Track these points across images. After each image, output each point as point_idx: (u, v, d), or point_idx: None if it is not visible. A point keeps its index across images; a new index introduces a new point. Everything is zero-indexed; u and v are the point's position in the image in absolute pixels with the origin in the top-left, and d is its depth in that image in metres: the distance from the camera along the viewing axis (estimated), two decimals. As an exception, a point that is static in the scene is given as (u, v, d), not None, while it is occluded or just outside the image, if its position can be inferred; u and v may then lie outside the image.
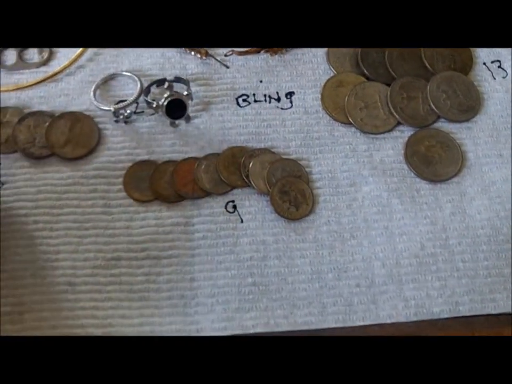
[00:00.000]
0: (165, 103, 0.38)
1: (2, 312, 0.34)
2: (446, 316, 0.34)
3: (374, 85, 0.41)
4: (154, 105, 0.39)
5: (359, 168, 0.39)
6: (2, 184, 0.37)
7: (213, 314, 0.34)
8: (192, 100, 0.40)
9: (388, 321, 0.34)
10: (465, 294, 0.35)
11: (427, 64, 0.41)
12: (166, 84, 0.39)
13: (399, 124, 0.40)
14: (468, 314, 0.34)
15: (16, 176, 0.38)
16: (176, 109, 0.39)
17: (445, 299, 0.35)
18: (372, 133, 0.40)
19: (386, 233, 0.36)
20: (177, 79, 0.40)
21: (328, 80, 0.42)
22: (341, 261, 0.36)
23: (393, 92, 0.40)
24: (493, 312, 0.34)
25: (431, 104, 0.40)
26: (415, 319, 0.34)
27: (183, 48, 0.42)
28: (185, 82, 0.40)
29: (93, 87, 0.41)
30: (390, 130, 0.40)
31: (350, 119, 0.40)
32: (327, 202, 0.37)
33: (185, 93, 0.39)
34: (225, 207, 0.37)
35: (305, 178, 0.38)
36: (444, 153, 0.39)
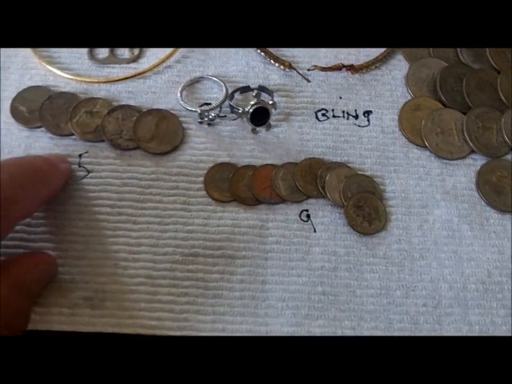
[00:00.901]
0: (251, 110, 0.39)
1: (83, 296, 0.35)
2: (508, 343, 0.35)
3: (450, 112, 0.42)
4: (240, 111, 0.40)
5: (431, 191, 0.40)
6: (88, 172, 0.39)
7: (282, 318, 0.35)
8: (275, 109, 0.41)
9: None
10: (529, 323, 0.36)
11: (502, 97, 0.42)
12: (255, 92, 0.40)
13: (472, 152, 0.41)
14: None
15: (102, 166, 0.40)
16: (259, 117, 0.40)
17: (508, 327, 0.35)
18: (446, 158, 0.41)
19: (455, 257, 0.37)
20: (262, 88, 0.42)
21: (406, 103, 0.43)
22: (410, 280, 0.37)
23: (469, 121, 0.41)
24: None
25: (505, 136, 0.41)
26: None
27: (268, 59, 0.44)
28: (269, 92, 0.41)
29: (180, 87, 0.42)
30: (463, 158, 0.41)
31: (426, 143, 0.41)
32: (399, 221, 0.38)
33: (270, 102, 0.40)
34: (299, 215, 0.39)
35: (379, 196, 0.39)
36: (516, 184, 0.40)
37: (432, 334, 0.35)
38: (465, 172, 0.40)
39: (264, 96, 0.41)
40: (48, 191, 0.36)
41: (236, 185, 0.39)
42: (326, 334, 0.35)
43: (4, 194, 0.30)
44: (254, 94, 0.40)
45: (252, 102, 0.40)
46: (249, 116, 0.40)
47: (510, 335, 0.35)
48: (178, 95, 0.42)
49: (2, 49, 0.44)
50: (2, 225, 0.31)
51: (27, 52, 0.44)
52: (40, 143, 0.41)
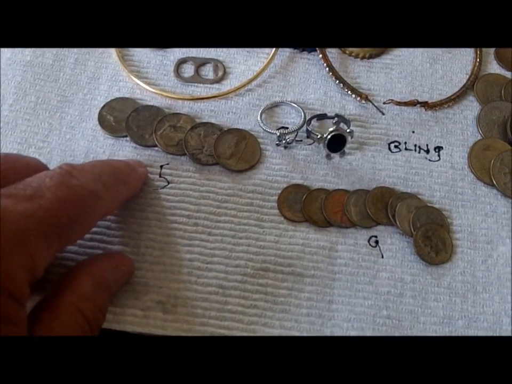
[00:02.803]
0: (329, 136, 0.41)
1: (157, 300, 0.37)
2: None
3: (519, 153, 0.43)
4: (318, 136, 0.42)
5: (497, 228, 0.41)
6: (168, 183, 0.41)
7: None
8: (352, 137, 0.43)
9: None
10: None
11: None
12: (335, 119, 0.42)
13: (539, 194, 0.42)
14: None
15: (182, 178, 0.42)
16: (335, 144, 0.42)
17: None
18: (513, 198, 0.42)
19: (517, 293, 0.38)
20: (340, 117, 0.43)
21: (476, 142, 0.44)
22: (472, 311, 0.38)
23: (537, 164, 0.43)
24: None
25: None
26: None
27: (345, 90, 0.45)
28: (347, 121, 0.43)
29: (260, 110, 0.44)
30: (529, 198, 0.42)
31: (494, 181, 0.42)
32: (464, 254, 0.40)
33: (348, 130, 0.42)
34: (368, 241, 0.40)
35: (447, 228, 0.40)
36: None
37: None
38: (531, 212, 0.41)
39: (342, 125, 0.43)
40: (127, 191, 0.38)
41: (309, 206, 0.41)
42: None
43: (90, 189, 0.32)
44: (334, 121, 0.42)
45: (331, 129, 0.41)
46: (326, 142, 0.41)
47: None
48: (259, 117, 0.44)
49: (93, 60, 0.47)
50: (87, 220, 0.33)
51: (117, 64, 0.47)
52: (124, 152, 0.43)
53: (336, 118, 0.42)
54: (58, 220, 0.29)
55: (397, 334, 0.37)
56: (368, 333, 0.37)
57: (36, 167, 0.35)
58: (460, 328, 0.37)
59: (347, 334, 0.37)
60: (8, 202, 0.28)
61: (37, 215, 0.29)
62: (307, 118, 0.43)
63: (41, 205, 0.29)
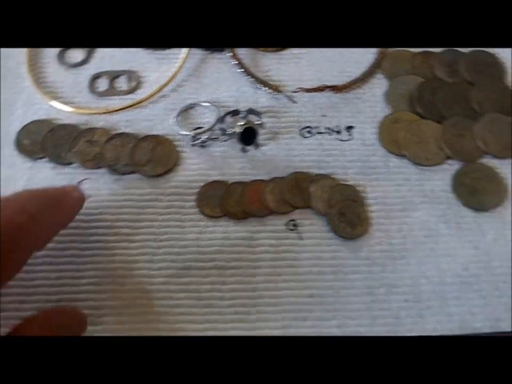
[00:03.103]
0: (240, 131, 0.42)
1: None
2: (487, 331, 0.37)
3: (427, 123, 0.45)
4: (230, 132, 0.43)
5: (410, 196, 0.42)
6: (88, 197, 0.42)
7: (272, 322, 0.37)
8: (263, 129, 0.44)
9: (433, 334, 0.37)
10: (506, 311, 0.37)
11: (475, 107, 0.45)
12: (244, 114, 0.43)
13: (448, 158, 0.43)
14: (508, 330, 0.37)
15: (101, 191, 0.42)
16: (248, 137, 0.43)
17: (486, 316, 0.37)
18: (423, 165, 0.43)
19: (433, 254, 0.40)
20: (250, 111, 0.44)
21: (385, 117, 0.45)
22: (391, 278, 0.39)
23: (445, 129, 0.44)
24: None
25: (478, 141, 0.44)
26: (458, 332, 0.37)
27: (257, 84, 0.47)
28: (257, 113, 0.44)
29: (175, 114, 0.45)
30: (440, 163, 0.43)
31: (405, 152, 0.43)
32: (380, 225, 0.41)
33: (258, 122, 0.43)
34: (287, 225, 0.41)
35: (361, 203, 0.41)
36: (488, 185, 0.42)
37: (414, 326, 0.37)
38: (442, 176, 0.43)
39: (254, 118, 0.44)
40: (61, 220, 0.37)
41: (227, 201, 0.41)
42: (314, 334, 0.37)
43: (14, 222, 0.31)
44: (242, 116, 0.43)
45: (241, 123, 0.42)
46: (238, 136, 0.42)
47: (487, 323, 0.37)
48: (173, 120, 0.45)
49: (7, 86, 0.48)
50: (13, 257, 0.31)
51: (31, 87, 0.47)
52: (42, 173, 0.43)
53: (244, 112, 0.43)
54: None
55: (320, 311, 0.38)
56: (292, 314, 0.38)
57: None
58: (381, 296, 0.38)
59: (271, 318, 0.38)
60: None
61: None
62: (220, 116, 0.44)
63: None
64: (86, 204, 0.40)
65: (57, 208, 0.36)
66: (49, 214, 0.35)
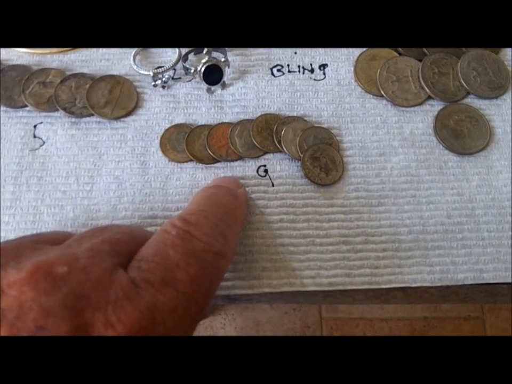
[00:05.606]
0: (203, 68, 0.39)
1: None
2: (470, 282, 0.35)
3: (406, 60, 0.42)
4: (192, 71, 0.40)
5: (389, 139, 0.39)
6: (44, 142, 0.39)
7: (241, 272, 0.35)
8: (229, 67, 0.41)
9: (413, 285, 0.35)
10: (490, 262, 0.36)
11: (459, 42, 0.42)
12: (205, 50, 0.40)
13: (429, 98, 0.41)
14: (491, 281, 0.35)
15: (57, 135, 0.40)
16: (213, 75, 0.40)
17: (469, 266, 0.35)
18: (403, 106, 0.40)
19: (414, 201, 0.37)
20: (215, 48, 0.41)
21: (361, 54, 0.42)
22: (369, 226, 0.37)
23: (425, 67, 0.41)
24: (517, 280, 0.35)
25: (461, 80, 0.41)
26: (439, 284, 0.35)
27: (221, 19, 0.43)
28: (222, 50, 0.41)
29: (133, 52, 0.42)
30: (420, 104, 0.41)
31: (382, 92, 0.40)
32: (356, 170, 0.38)
33: (223, 59, 0.40)
34: (257, 171, 0.38)
35: (336, 146, 0.39)
36: (473, 127, 0.39)
37: (393, 277, 0.35)
38: (423, 118, 0.40)
39: (218, 55, 0.41)
40: (239, 229, 0.34)
41: (192, 145, 0.39)
42: (286, 285, 0.35)
43: (216, 251, 0.29)
44: (204, 52, 0.40)
45: (204, 60, 0.39)
46: (201, 75, 0.39)
47: (469, 274, 0.35)
48: (131, 59, 0.41)
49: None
50: (217, 286, 0.30)
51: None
52: (-6, 117, 0.40)
53: (206, 49, 0.40)
54: (195, 304, 0.27)
55: (293, 261, 0.36)
56: (263, 264, 0.35)
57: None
58: (358, 245, 0.36)
59: (240, 268, 0.35)
60: (149, 292, 0.25)
61: (179, 307, 0.25)
62: (182, 54, 0.41)
63: (178, 291, 0.26)
64: (42, 152, 0.38)
65: (236, 218, 0.33)
66: (234, 227, 0.32)
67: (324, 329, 1.28)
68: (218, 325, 1.29)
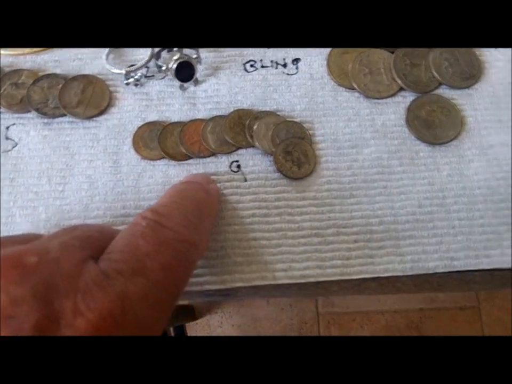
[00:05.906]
0: (174, 66, 0.39)
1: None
2: (441, 271, 0.35)
3: (378, 52, 0.42)
4: (164, 68, 0.40)
5: (361, 131, 0.39)
6: (17, 144, 0.39)
7: (214, 268, 0.35)
8: (201, 63, 0.41)
9: (384, 274, 0.35)
10: (461, 250, 0.36)
11: (431, 33, 0.42)
12: (177, 47, 0.40)
13: (401, 89, 0.41)
14: (462, 269, 0.35)
15: (30, 136, 0.40)
16: (185, 72, 0.40)
17: (440, 254, 0.36)
18: (375, 98, 0.40)
19: (385, 192, 0.37)
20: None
21: (334, 48, 0.42)
22: (340, 218, 0.37)
23: (397, 59, 0.41)
24: (487, 267, 0.35)
25: (433, 71, 0.41)
26: (410, 273, 0.35)
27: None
28: (194, 47, 0.41)
29: (106, 51, 0.42)
30: (392, 96, 0.41)
31: (354, 85, 0.41)
32: (328, 163, 0.38)
33: (195, 56, 0.40)
34: (230, 167, 0.38)
35: (308, 140, 0.39)
36: (444, 117, 0.39)
37: (365, 267, 0.35)
38: (395, 109, 0.40)
39: (191, 52, 0.41)
40: (211, 224, 0.35)
41: (165, 142, 0.39)
42: (258, 279, 0.35)
43: (188, 241, 0.29)
44: (175, 49, 0.40)
45: (175, 58, 0.39)
46: (173, 72, 0.39)
47: (440, 262, 0.35)
48: (104, 58, 0.41)
49: None
50: (189, 275, 0.30)
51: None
52: (-35, 120, 0.40)
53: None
54: (167, 292, 0.27)
55: (265, 255, 0.36)
56: (236, 259, 0.36)
57: None
58: (329, 237, 0.36)
59: (213, 264, 0.36)
60: (119, 281, 0.25)
61: (150, 296, 0.26)
62: (154, 52, 0.41)
63: (149, 280, 0.26)
64: (14, 153, 0.38)
65: (209, 213, 0.34)
66: (205, 220, 0.32)
67: (321, 324, 1.29)
68: (215, 323, 1.29)
